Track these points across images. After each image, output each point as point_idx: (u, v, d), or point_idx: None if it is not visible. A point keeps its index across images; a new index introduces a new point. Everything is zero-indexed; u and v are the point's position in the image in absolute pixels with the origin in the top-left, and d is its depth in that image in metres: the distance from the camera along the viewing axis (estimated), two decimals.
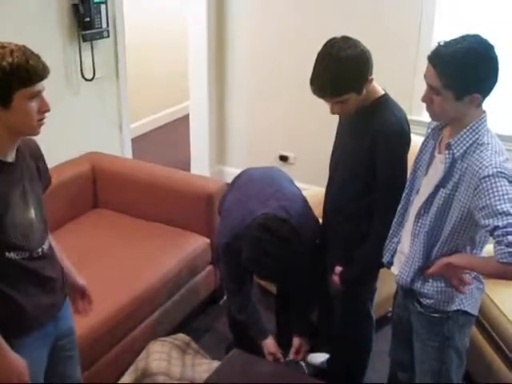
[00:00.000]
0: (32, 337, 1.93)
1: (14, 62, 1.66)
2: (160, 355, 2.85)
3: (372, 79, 2.22)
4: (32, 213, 1.89)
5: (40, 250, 1.92)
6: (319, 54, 2.19)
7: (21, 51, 1.69)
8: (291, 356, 2.86)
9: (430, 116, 2.03)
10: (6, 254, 1.81)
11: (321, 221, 2.70)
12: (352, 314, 2.70)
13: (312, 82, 2.19)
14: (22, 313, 1.88)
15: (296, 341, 2.88)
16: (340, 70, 2.12)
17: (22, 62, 1.67)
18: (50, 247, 2.01)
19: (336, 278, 2.54)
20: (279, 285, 2.97)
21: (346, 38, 2.17)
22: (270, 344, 2.80)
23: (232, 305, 2.83)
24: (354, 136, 2.37)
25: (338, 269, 2.53)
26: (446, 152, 1.97)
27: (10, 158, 1.82)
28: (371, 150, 2.27)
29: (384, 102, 2.30)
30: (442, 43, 1.89)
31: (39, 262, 1.93)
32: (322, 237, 2.66)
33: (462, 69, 1.84)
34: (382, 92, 2.32)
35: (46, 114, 1.78)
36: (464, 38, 1.87)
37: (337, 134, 2.55)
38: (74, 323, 2.19)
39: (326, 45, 2.19)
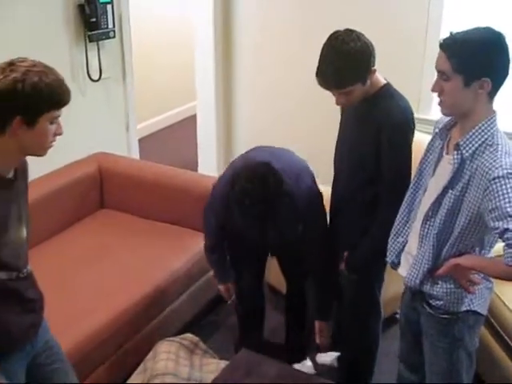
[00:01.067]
0: (13, 357, 1.91)
1: (51, 85, 1.68)
2: (168, 355, 2.85)
3: (375, 70, 2.25)
4: (24, 232, 1.88)
5: (25, 270, 1.91)
6: (324, 47, 2.23)
7: (54, 73, 1.72)
8: (317, 341, 2.85)
9: (441, 109, 2.00)
10: None
11: (328, 218, 2.70)
12: (361, 302, 2.70)
13: (317, 74, 2.23)
14: (5, 333, 1.87)
15: (316, 325, 2.84)
16: (344, 62, 2.16)
17: (57, 85, 1.70)
18: (31, 268, 1.97)
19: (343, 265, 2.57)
20: (274, 250, 2.94)
21: (349, 31, 2.21)
22: (226, 287, 2.94)
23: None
24: (359, 126, 2.40)
25: (346, 254, 2.56)
26: (455, 152, 1.95)
27: (10, 174, 1.81)
28: (376, 140, 2.29)
29: (387, 91, 2.33)
30: (453, 32, 1.89)
31: (24, 282, 1.91)
32: (331, 228, 2.67)
33: (473, 51, 1.84)
34: (384, 81, 2.35)
35: (57, 138, 1.81)
36: (476, 28, 1.89)
37: (340, 126, 2.57)
38: (51, 336, 2.13)
39: (330, 38, 2.22)
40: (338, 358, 3.05)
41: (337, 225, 2.65)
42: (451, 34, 1.90)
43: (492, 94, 1.91)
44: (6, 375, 1.86)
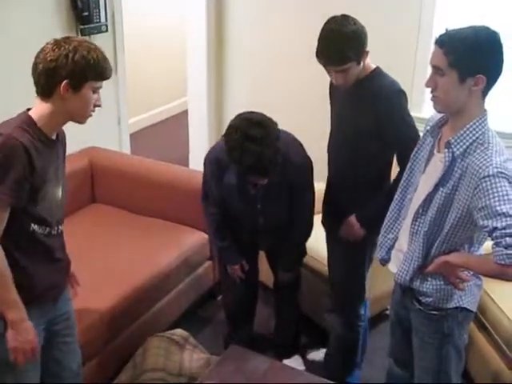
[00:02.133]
0: (34, 309, 2.00)
1: (96, 58, 1.89)
2: (157, 351, 2.85)
3: (368, 52, 2.40)
4: (59, 192, 2.05)
5: (57, 228, 2.06)
6: (323, 30, 2.38)
7: (100, 50, 1.93)
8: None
9: (434, 105, 2.00)
10: (32, 225, 1.95)
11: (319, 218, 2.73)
12: (349, 284, 2.78)
13: (318, 54, 2.37)
14: (30, 284, 1.99)
15: (281, 275, 2.97)
16: (344, 40, 2.32)
17: (101, 59, 1.91)
18: (63, 231, 2.14)
19: (348, 226, 2.63)
20: (263, 239, 2.92)
21: (345, 16, 2.38)
22: (237, 267, 2.89)
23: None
24: (354, 108, 2.51)
25: (353, 219, 2.62)
26: (446, 150, 1.95)
27: (54, 136, 2.00)
28: (374, 113, 2.41)
29: (378, 72, 2.49)
30: (449, 29, 1.91)
31: (54, 240, 2.06)
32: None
33: (469, 48, 1.85)
34: (375, 65, 2.50)
35: (96, 109, 1.99)
36: (472, 26, 1.91)
37: (333, 115, 2.67)
38: (72, 310, 2.26)
39: (328, 21, 2.38)
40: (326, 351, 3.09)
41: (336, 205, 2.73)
42: (447, 30, 1.91)
43: (485, 92, 1.92)
44: None
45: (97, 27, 3.58)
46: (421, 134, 2.21)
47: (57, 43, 1.89)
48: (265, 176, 2.49)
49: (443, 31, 1.92)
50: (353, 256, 2.71)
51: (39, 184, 1.91)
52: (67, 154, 3.48)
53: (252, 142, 2.38)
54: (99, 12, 3.56)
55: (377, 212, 2.46)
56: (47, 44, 1.91)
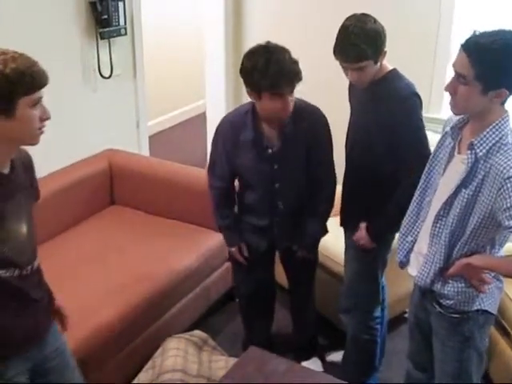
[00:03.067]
0: (15, 359, 1.85)
1: (18, 69, 1.60)
2: (176, 352, 2.85)
3: (386, 52, 2.38)
4: (24, 228, 1.81)
5: (30, 267, 1.84)
6: (342, 26, 2.37)
7: (23, 58, 1.64)
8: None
9: (452, 108, 1.98)
10: None
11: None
12: (362, 286, 2.74)
13: (335, 51, 2.37)
14: (4, 339, 1.81)
15: (299, 254, 2.85)
16: (363, 38, 2.30)
17: (25, 68, 1.62)
18: (39, 266, 1.91)
19: (360, 234, 2.61)
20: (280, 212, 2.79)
21: (364, 14, 2.38)
22: (238, 249, 2.85)
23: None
24: (369, 107, 2.51)
25: (363, 225, 2.60)
26: (468, 152, 1.93)
27: (5, 169, 1.74)
28: (387, 115, 2.40)
29: (394, 74, 2.47)
30: (477, 33, 1.85)
31: (27, 281, 1.83)
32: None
33: (498, 61, 1.81)
34: (392, 67, 2.48)
35: (46, 123, 1.71)
36: (501, 31, 1.84)
37: (351, 115, 2.66)
38: (63, 341, 2.06)
39: (348, 18, 2.38)
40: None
41: (347, 211, 2.73)
42: (475, 33, 1.85)
43: (505, 100, 1.90)
44: (6, 379, 1.81)
45: (116, 30, 3.60)
46: (439, 136, 2.19)
47: None
48: (291, 86, 2.41)
49: (471, 34, 1.85)
50: (365, 257, 2.69)
51: None
52: (85, 156, 3.56)
53: (275, 51, 2.41)
54: (118, 15, 3.58)
55: (387, 225, 2.51)
56: None
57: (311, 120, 2.61)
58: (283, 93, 2.40)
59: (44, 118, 1.70)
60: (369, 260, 2.69)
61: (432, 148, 2.21)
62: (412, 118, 2.42)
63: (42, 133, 1.72)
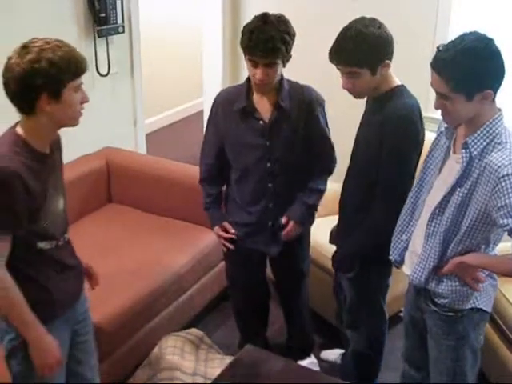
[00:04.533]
0: (58, 321, 2.02)
1: (64, 56, 1.77)
2: (173, 350, 2.87)
3: (388, 64, 2.25)
4: (61, 202, 2.00)
5: (63, 238, 2.02)
6: (344, 28, 2.26)
7: (65, 45, 1.81)
8: (283, 237, 2.73)
9: (447, 123, 2.03)
10: (38, 244, 1.91)
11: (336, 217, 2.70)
12: (362, 309, 2.69)
13: (331, 49, 2.26)
14: (50, 299, 1.99)
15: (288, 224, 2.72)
16: (359, 41, 2.18)
17: (70, 55, 1.80)
18: (69, 238, 2.09)
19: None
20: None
21: (373, 19, 2.26)
22: (222, 228, 2.79)
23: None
24: (367, 125, 2.42)
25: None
26: (463, 151, 1.94)
27: (47, 149, 1.92)
28: (380, 138, 2.27)
29: (398, 92, 2.31)
30: (441, 48, 1.89)
31: (63, 250, 2.02)
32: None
33: (467, 70, 1.83)
34: (399, 83, 2.34)
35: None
36: (461, 37, 1.87)
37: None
38: (88, 308, 2.26)
39: (353, 20, 2.26)
40: (342, 355, 3.07)
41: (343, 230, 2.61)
42: (438, 50, 1.89)
43: (494, 97, 1.91)
44: (54, 337, 1.97)
45: (114, 28, 3.60)
46: (434, 134, 2.20)
47: (19, 54, 1.76)
48: (265, 57, 2.40)
49: (436, 51, 1.89)
50: (359, 286, 2.61)
51: (40, 204, 1.86)
52: (82, 154, 3.57)
53: (270, 22, 2.41)
54: (116, 13, 3.58)
55: (352, 250, 2.46)
56: (10, 58, 1.77)
57: (308, 97, 2.59)
58: (257, 62, 2.43)
59: (84, 101, 1.89)
60: (364, 288, 2.61)
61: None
62: (398, 146, 2.25)
63: (81, 115, 1.91)
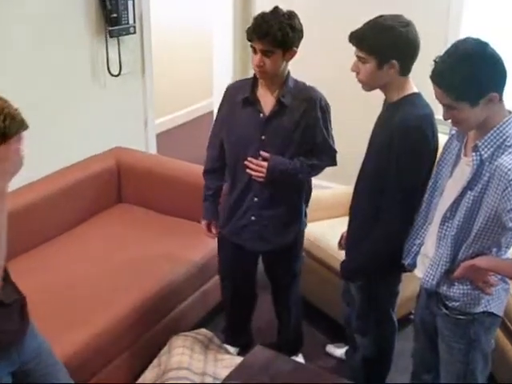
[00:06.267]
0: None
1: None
2: (182, 350, 2.87)
3: (393, 65, 2.20)
4: None
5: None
6: (377, 16, 2.26)
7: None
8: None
9: (460, 131, 2.04)
10: None
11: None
12: (371, 316, 2.67)
13: (352, 31, 2.26)
14: None
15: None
16: (374, 28, 2.21)
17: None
18: (6, 269, 1.84)
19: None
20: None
21: (399, 15, 2.26)
22: (209, 223, 2.89)
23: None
24: (378, 133, 2.39)
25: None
26: (473, 154, 1.94)
27: None
28: (389, 146, 2.24)
29: (411, 99, 2.27)
30: (437, 60, 1.89)
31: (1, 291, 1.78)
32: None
33: (465, 77, 1.83)
34: (415, 90, 2.29)
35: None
36: (455, 46, 1.88)
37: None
38: (41, 342, 2.04)
39: (388, 14, 2.26)
40: (346, 352, 3.07)
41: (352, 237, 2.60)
42: (435, 62, 1.89)
43: (501, 98, 1.90)
44: None
45: (125, 29, 3.61)
46: (446, 137, 2.19)
47: None
48: (261, 43, 2.43)
49: (433, 64, 1.90)
50: (366, 294, 2.60)
51: None
52: (92, 154, 3.57)
53: (276, 12, 2.46)
54: (127, 14, 3.59)
55: (360, 262, 2.45)
56: None
57: (310, 97, 2.59)
58: (255, 47, 2.48)
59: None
60: (373, 295, 2.59)
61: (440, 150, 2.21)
62: (407, 160, 2.21)
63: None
